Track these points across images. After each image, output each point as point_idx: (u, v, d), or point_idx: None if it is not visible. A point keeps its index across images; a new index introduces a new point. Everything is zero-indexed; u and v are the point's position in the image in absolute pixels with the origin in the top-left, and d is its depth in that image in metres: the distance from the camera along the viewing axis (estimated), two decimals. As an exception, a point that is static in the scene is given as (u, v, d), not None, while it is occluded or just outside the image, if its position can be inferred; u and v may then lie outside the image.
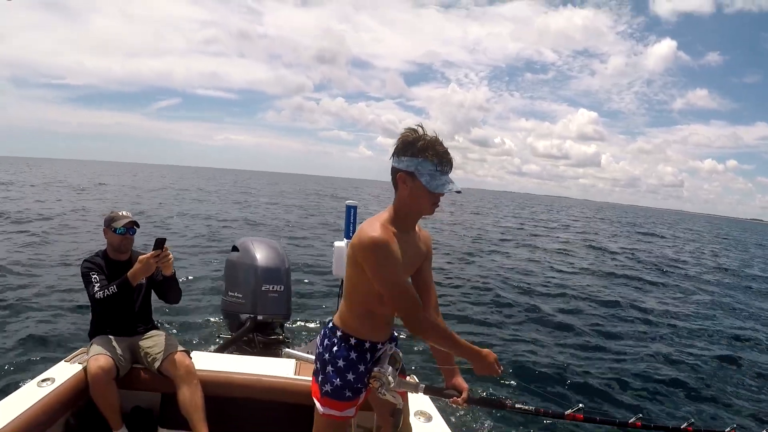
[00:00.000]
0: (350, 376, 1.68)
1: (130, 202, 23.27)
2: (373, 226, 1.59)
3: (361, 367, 1.70)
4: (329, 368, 1.70)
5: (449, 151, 1.61)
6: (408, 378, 1.87)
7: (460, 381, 1.76)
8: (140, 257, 2.44)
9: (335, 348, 1.70)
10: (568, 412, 1.64)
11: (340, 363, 1.68)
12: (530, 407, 1.70)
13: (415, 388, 1.73)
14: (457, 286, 9.53)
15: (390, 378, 1.68)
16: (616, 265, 14.99)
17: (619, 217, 63.98)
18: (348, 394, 1.68)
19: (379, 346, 1.74)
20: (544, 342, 6.54)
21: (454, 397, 1.71)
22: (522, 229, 26.61)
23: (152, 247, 2.48)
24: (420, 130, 1.60)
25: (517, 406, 1.71)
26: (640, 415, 1.67)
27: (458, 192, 1.59)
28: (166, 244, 2.50)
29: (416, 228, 1.76)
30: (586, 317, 8.17)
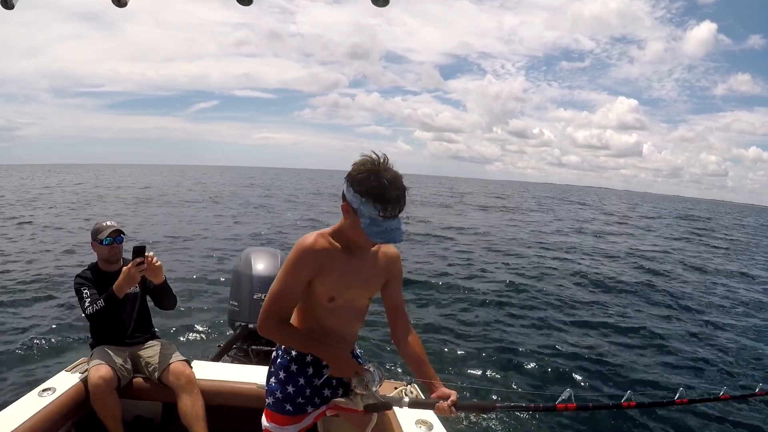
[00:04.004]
0: (290, 389, 1.66)
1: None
2: (313, 234, 1.57)
3: (301, 380, 1.66)
4: (272, 379, 1.70)
5: (402, 196, 1.46)
6: (394, 391, 1.84)
7: (444, 390, 1.66)
8: (123, 268, 2.44)
9: (279, 359, 1.70)
10: (560, 403, 1.58)
11: (281, 374, 1.67)
12: (521, 404, 1.66)
13: (398, 402, 1.67)
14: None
15: (376, 376, 1.61)
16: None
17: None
18: (288, 407, 1.66)
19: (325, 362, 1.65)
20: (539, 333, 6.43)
21: (440, 403, 1.62)
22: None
23: (132, 256, 2.45)
24: (380, 165, 1.45)
25: (507, 404, 1.69)
26: (630, 392, 1.59)
27: (399, 241, 1.47)
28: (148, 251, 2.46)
29: (377, 247, 1.65)
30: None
